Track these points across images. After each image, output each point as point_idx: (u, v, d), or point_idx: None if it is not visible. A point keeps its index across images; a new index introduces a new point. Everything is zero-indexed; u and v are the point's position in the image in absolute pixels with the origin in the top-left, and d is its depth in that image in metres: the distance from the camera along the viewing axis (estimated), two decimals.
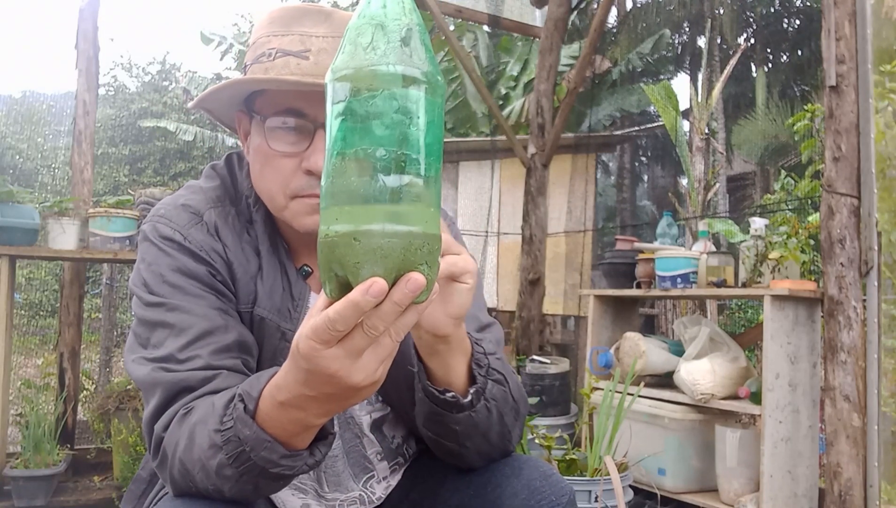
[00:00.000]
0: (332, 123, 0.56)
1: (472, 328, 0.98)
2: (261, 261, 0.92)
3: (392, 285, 0.54)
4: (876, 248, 2.25)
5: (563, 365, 3.44)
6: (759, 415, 2.42)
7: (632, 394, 2.28)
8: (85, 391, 3.33)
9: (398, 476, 1.02)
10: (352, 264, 0.54)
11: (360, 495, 0.98)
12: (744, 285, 2.66)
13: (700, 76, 10.55)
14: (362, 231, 0.53)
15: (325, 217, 0.56)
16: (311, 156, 0.86)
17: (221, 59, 11.89)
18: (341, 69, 0.55)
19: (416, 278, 0.54)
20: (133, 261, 2.97)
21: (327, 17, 0.89)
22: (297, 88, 0.85)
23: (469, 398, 0.78)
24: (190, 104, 0.91)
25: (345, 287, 0.55)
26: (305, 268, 0.94)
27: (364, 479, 0.99)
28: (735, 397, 2.57)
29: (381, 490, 1.00)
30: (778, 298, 2.43)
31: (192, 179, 1.01)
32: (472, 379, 0.80)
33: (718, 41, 10.92)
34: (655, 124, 9.85)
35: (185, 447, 0.73)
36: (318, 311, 0.59)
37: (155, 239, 0.89)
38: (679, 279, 2.80)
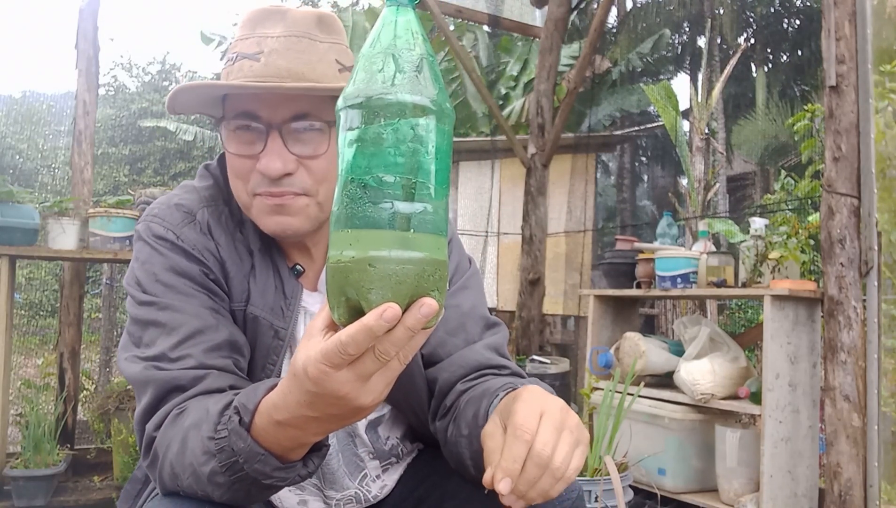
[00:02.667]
0: (345, 151, 0.57)
1: (478, 328, 0.98)
2: (253, 260, 0.92)
3: (403, 310, 0.55)
4: (876, 248, 2.25)
5: (563, 365, 3.44)
6: (759, 415, 2.42)
7: (632, 394, 2.28)
8: (85, 391, 3.33)
9: (394, 475, 1.03)
10: (366, 289, 0.54)
11: (355, 493, 0.99)
12: (744, 285, 2.66)
13: (700, 76, 10.55)
14: (377, 257, 0.54)
15: (336, 242, 0.56)
16: (263, 158, 0.86)
17: (222, 59, 11.89)
18: (354, 97, 0.56)
19: (430, 303, 0.55)
20: None
21: (283, 16, 0.90)
22: (232, 90, 0.86)
23: None
24: (167, 108, 0.92)
25: (355, 311, 0.56)
26: (298, 267, 0.95)
27: (359, 477, 0.99)
28: (735, 397, 2.57)
29: (375, 489, 1.01)
30: (778, 298, 2.43)
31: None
32: None
33: (718, 41, 10.92)
34: (655, 124, 9.86)
35: (177, 450, 0.73)
36: (319, 331, 0.59)
37: (148, 238, 0.89)
38: (679, 279, 2.80)
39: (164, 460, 0.75)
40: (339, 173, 0.57)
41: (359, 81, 0.57)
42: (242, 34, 0.90)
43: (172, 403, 0.78)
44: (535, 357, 3.53)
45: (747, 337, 3.20)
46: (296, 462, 0.70)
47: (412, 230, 0.55)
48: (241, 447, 0.67)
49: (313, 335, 0.59)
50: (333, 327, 0.60)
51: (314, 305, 0.96)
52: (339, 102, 0.58)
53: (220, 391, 0.79)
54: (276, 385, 0.67)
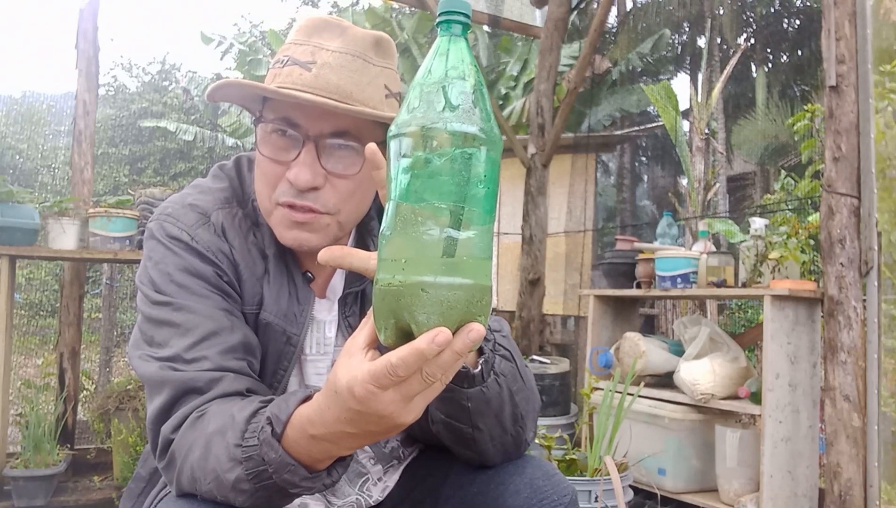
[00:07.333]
0: (399, 177, 0.58)
1: None
2: (267, 264, 0.92)
3: (452, 334, 0.56)
4: (876, 248, 2.25)
5: (563, 365, 3.44)
6: (759, 415, 2.42)
7: (632, 394, 2.28)
8: (85, 391, 3.33)
9: (395, 476, 1.03)
10: (417, 313, 0.56)
11: (356, 499, 0.99)
12: (744, 285, 2.66)
13: (700, 76, 10.55)
14: (430, 282, 0.55)
15: (386, 266, 0.57)
16: (294, 167, 0.86)
17: (221, 59, 11.91)
18: (408, 125, 0.57)
19: (478, 328, 0.56)
20: (133, 261, 2.98)
21: (343, 31, 0.89)
22: (280, 97, 0.85)
23: (479, 368, 0.78)
24: (206, 96, 0.91)
25: (403, 334, 0.57)
26: (308, 274, 0.95)
27: (359, 483, 0.99)
28: (735, 397, 2.57)
29: (377, 493, 1.01)
30: (778, 298, 2.43)
31: (192, 179, 1.02)
32: (479, 352, 0.80)
33: (718, 41, 10.92)
34: (655, 124, 9.85)
35: (199, 455, 0.73)
36: (360, 349, 0.60)
37: (162, 238, 0.89)
38: (679, 279, 2.80)
39: (184, 463, 0.75)
40: (390, 198, 0.58)
41: (413, 109, 0.58)
42: (297, 39, 0.90)
43: (191, 405, 0.78)
44: (535, 357, 3.53)
45: (747, 337, 3.20)
46: (321, 472, 0.70)
47: (464, 257, 0.56)
48: (273, 457, 0.68)
49: (354, 354, 0.60)
50: (373, 345, 0.61)
51: (321, 312, 0.96)
52: (392, 129, 0.59)
53: (239, 394, 0.79)
54: (308, 397, 0.68)
